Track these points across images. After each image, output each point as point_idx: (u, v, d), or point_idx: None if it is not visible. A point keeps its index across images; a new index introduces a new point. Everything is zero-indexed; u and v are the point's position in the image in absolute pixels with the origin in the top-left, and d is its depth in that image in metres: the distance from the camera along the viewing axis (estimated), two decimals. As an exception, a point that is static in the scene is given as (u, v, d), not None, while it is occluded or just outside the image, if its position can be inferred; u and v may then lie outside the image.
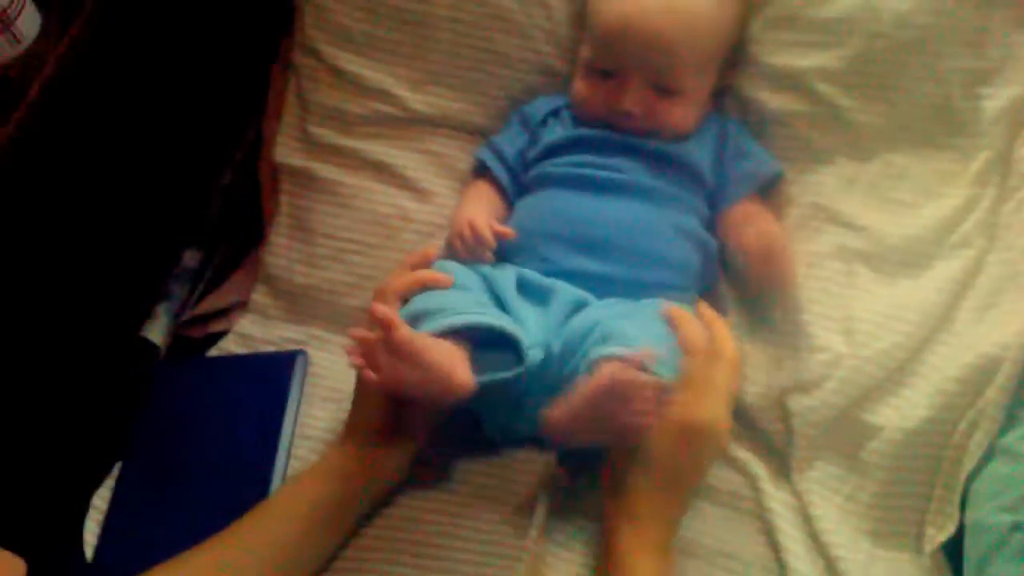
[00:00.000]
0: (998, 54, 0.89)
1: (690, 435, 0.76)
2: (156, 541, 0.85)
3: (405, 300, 0.85)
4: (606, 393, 0.71)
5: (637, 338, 0.77)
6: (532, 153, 0.98)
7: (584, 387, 0.73)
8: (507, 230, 0.91)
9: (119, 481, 0.94)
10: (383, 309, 0.75)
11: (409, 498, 0.84)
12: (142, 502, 0.92)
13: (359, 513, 0.83)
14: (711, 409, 0.77)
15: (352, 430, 0.84)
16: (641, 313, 0.83)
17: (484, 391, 0.78)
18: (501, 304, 0.86)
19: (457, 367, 0.77)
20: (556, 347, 0.84)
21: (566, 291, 0.87)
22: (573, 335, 0.83)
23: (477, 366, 0.78)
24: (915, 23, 0.90)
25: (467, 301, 0.83)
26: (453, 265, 0.89)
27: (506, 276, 0.88)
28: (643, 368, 0.72)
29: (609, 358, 0.74)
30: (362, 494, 0.82)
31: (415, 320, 0.80)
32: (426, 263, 0.90)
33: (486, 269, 0.89)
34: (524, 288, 0.89)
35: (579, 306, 0.87)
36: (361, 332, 0.76)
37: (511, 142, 1.00)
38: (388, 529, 0.83)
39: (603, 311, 0.85)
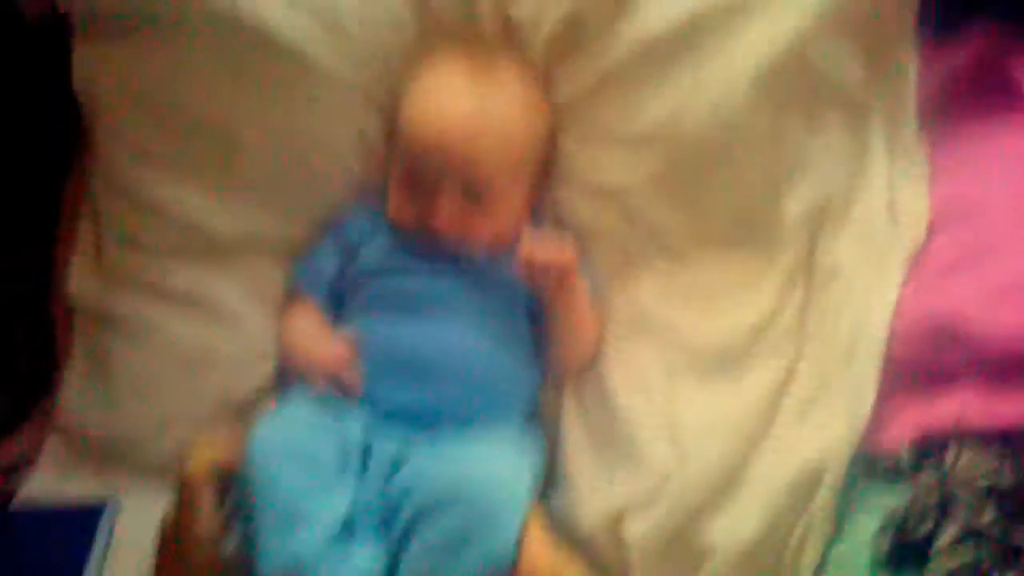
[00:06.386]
0: (793, 161, 0.92)
1: None
2: None
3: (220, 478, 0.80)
4: None
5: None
6: (350, 271, 0.95)
7: None
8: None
9: None
10: None
11: None
12: None
13: None
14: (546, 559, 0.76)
15: None
16: (437, 513, 0.78)
17: None
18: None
19: None
20: (374, 518, 0.81)
21: (383, 451, 0.84)
22: (390, 503, 0.81)
23: None
24: (712, 135, 0.92)
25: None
26: (300, 418, 0.84)
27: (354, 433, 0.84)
28: None
29: None
30: None
31: None
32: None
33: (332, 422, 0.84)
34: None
35: (398, 465, 0.84)
36: None
37: (327, 261, 0.97)
38: None
39: (420, 466, 0.82)
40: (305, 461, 0.80)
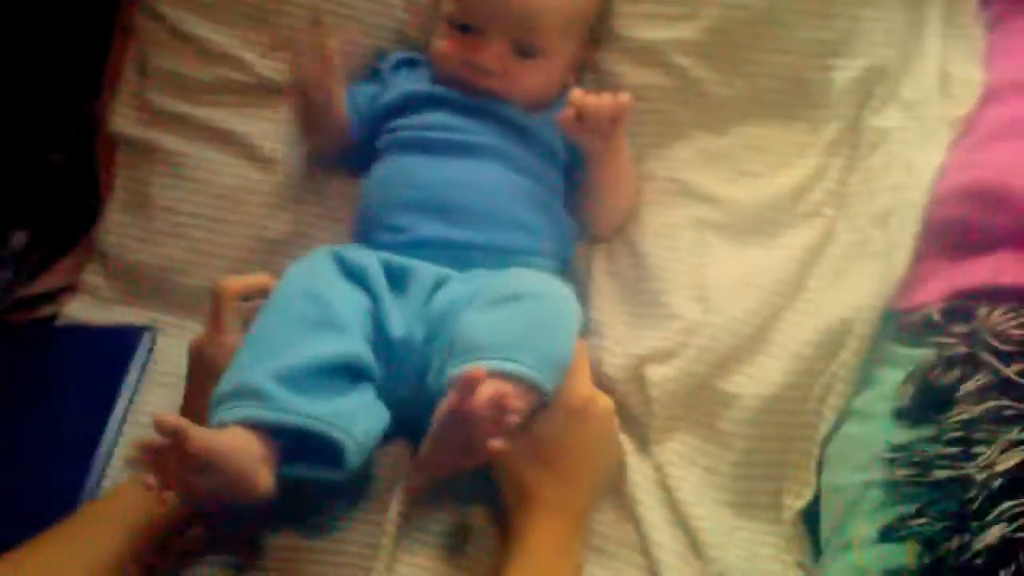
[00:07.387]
0: (845, 27, 0.91)
1: (575, 416, 0.76)
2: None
3: (245, 299, 0.81)
4: (449, 424, 0.69)
5: (491, 345, 0.73)
6: (385, 99, 0.94)
7: (434, 420, 0.71)
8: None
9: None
10: (171, 420, 0.65)
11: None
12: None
13: None
14: (588, 387, 0.78)
15: None
16: (503, 304, 0.77)
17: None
18: (374, 296, 0.81)
19: (259, 473, 0.69)
20: (419, 332, 0.81)
21: (424, 271, 0.84)
22: (434, 319, 0.80)
23: (289, 459, 0.72)
24: None
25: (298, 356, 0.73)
26: (322, 265, 0.82)
27: (374, 268, 0.82)
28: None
29: (453, 380, 0.70)
30: None
31: (224, 399, 0.72)
32: (262, 291, 0.81)
33: (355, 260, 0.82)
34: (385, 273, 0.83)
35: (439, 284, 0.83)
36: (149, 441, 0.65)
37: (362, 92, 0.96)
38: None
39: (462, 288, 0.82)
40: (317, 304, 0.77)
